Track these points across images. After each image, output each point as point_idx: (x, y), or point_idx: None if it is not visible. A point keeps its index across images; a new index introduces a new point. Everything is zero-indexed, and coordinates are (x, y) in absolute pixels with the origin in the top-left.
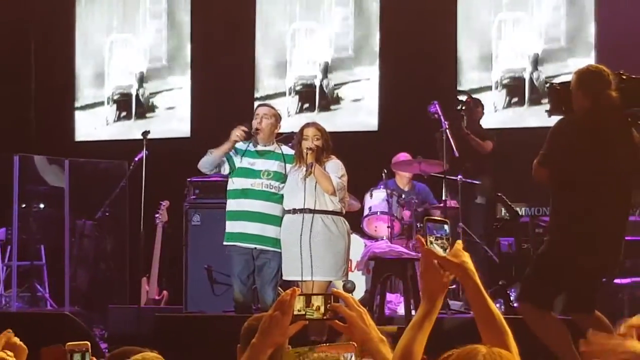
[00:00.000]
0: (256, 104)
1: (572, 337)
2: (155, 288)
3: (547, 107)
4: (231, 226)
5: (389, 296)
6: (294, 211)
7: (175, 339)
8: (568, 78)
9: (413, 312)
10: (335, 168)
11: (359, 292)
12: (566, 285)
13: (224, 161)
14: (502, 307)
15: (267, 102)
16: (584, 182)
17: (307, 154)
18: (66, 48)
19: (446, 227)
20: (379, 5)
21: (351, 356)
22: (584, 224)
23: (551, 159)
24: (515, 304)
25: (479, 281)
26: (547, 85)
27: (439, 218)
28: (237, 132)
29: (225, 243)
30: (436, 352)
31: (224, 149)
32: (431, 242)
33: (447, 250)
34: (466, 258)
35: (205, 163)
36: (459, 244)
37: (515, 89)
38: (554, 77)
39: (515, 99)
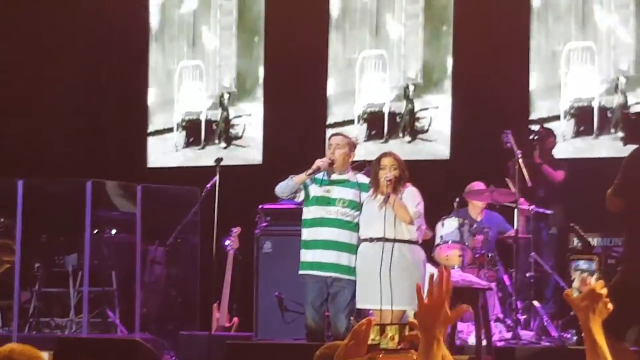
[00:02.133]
0: (327, 131)
1: None
2: (226, 315)
3: (618, 136)
4: (306, 255)
5: (460, 325)
6: (371, 240)
7: None
8: None
9: (484, 342)
10: (411, 196)
11: None
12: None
13: (300, 188)
14: (574, 337)
15: (339, 130)
16: None
17: (387, 185)
18: (138, 74)
19: (589, 263)
20: (450, 33)
21: None
22: None
23: (626, 189)
24: None
25: (594, 329)
26: (622, 114)
27: (586, 256)
28: (322, 159)
29: (300, 272)
30: None
31: (304, 176)
32: (575, 281)
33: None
34: (592, 301)
35: (285, 188)
36: (598, 285)
37: (583, 119)
38: (623, 107)
39: (583, 129)
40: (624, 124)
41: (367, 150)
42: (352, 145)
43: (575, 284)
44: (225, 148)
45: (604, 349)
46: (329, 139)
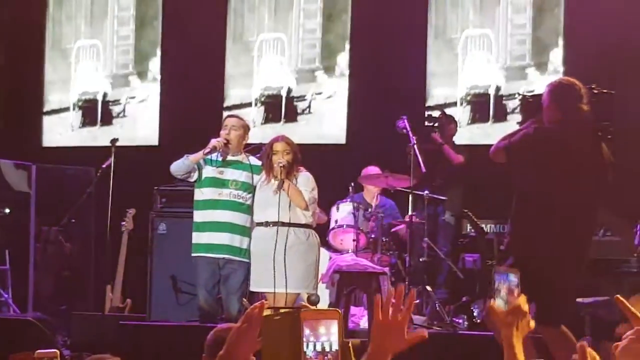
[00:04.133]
0: (224, 113)
1: (539, 352)
2: (119, 296)
3: (513, 123)
4: (199, 237)
5: (353, 309)
6: (267, 224)
7: (138, 348)
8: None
9: None
10: (306, 182)
11: (323, 304)
12: (533, 298)
13: (195, 168)
14: (465, 323)
15: (235, 112)
16: (547, 195)
17: (280, 171)
18: (35, 52)
19: (512, 276)
20: (348, 17)
21: (335, 323)
22: (547, 238)
23: (514, 150)
24: (478, 320)
25: (517, 344)
26: (520, 97)
27: (507, 268)
28: (217, 139)
29: (193, 254)
30: None
31: (200, 155)
32: (498, 292)
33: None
34: (516, 318)
35: (181, 167)
36: (523, 301)
37: (479, 106)
38: (517, 94)
39: (479, 115)
40: (522, 106)
41: (264, 134)
42: (247, 128)
43: (502, 293)
44: (119, 128)
45: None
46: (225, 119)
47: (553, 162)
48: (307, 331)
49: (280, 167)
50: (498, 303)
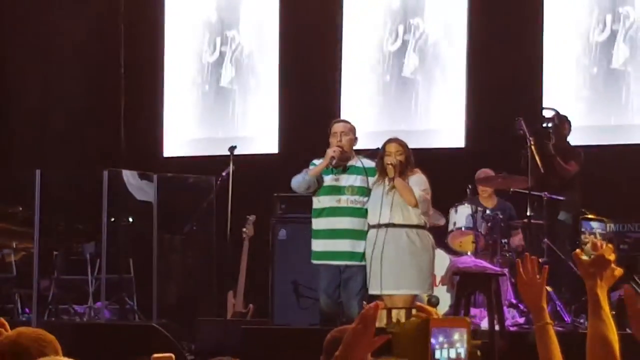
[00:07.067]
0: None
1: None
2: (242, 301)
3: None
4: (319, 245)
5: (473, 311)
6: (379, 226)
7: (262, 351)
8: None
9: (497, 327)
10: (418, 181)
11: (444, 306)
12: None
13: (315, 182)
14: (586, 322)
15: (342, 118)
16: None
17: (390, 170)
18: (155, 64)
19: (601, 225)
20: (466, 20)
21: (464, 333)
22: None
23: None
24: None
25: (601, 295)
26: None
27: (594, 217)
28: (333, 149)
29: (313, 261)
30: None
31: (320, 168)
32: (584, 242)
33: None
34: (600, 268)
35: (302, 183)
36: (607, 250)
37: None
38: None
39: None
40: None
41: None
42: (354, 131)
43: (587, 247)
44: (240, 137)
45: (607, 315)
46: (332, 126)
47: None
48: (440, 338)
49: (391, 165)
50: (585, 253)
